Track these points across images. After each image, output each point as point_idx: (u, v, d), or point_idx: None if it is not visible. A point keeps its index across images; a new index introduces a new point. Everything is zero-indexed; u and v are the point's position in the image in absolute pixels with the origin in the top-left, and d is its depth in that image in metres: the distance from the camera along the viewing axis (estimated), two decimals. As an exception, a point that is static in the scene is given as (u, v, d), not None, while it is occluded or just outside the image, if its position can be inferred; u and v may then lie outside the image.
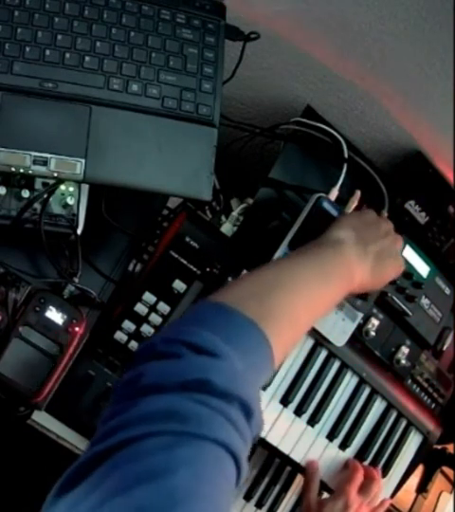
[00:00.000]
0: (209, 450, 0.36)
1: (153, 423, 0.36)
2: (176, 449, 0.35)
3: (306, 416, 0.84)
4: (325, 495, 0.86)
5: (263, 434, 0.80)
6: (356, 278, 0.64)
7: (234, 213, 0.84)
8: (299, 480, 0.88)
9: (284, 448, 0.82)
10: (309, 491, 0.81)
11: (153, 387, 0.39)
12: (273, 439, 0.81)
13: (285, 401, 0.82)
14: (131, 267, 0.79)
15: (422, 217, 0.88)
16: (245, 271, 0.76)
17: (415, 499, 1.05)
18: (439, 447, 1.01)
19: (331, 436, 0.85)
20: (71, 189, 0.71)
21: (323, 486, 0.85)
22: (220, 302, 0.49)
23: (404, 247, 0.85)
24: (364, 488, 0.83)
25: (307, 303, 0.56)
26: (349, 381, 0.86)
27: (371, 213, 0.71)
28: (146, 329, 0.73)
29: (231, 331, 0.46)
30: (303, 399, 0.83)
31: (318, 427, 0.84)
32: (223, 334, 0.44)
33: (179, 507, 0.32)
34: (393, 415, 0.90)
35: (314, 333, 0.80)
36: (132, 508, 0.32)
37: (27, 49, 0.61)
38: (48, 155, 0.62)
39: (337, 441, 0.86)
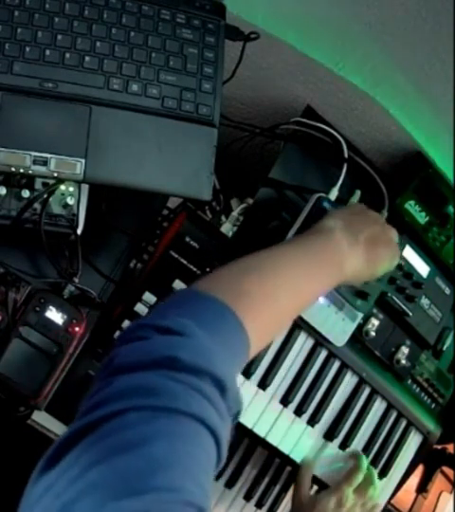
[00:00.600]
0: (185, 424, 0.37)
1: (128, 399, 0.37)
2: (153, 422, 0.36)
3: (306, 416, 0.84)
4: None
5: (262, 434, 0.80)
6: (348, 266, 0.63)
7: (234, 213, 0.84)
8: (299, 480, 0.88)
9: (284, 448, 0.82)
10: (301, 486, 0.81)
11: (124, 367, 0.40)
12: (273, 439, 0.81)
13: (285, 401, 0.82)
14: (131, 267, 0.79)
15: (422, 217, 0.88)
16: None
17: (415, 499, 1.05)
18: (439, 447, 1.01)
19: (331, 436, 0.85)
20: (71, 189, 0.71)
21: (323, 486, 0.85)
22: (192, 288, 0.50)
23: (404, 247, 0.85)
24: (360, 489, 0.83)
25: (289, 285, 0.55)
26: (349, 381, 0.86)
27: (358, 205, 0.72)
28: (146, 329, 0.73)
29: (199, 311, 0.47)
30: (303, 399, 0.83)
31: (318, 427, 0.84)
32: (191, 315, 0.45)
33: (159, 473, 0.33)
34: (393, 415, 0.90)
35: (314, 333, 0.81)
36: (111, 476, 0.32)
37: (27, 49, 0.61)
38: (48, 155, 0.62)
39: (337, 441, 0.86)
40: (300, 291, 0.58)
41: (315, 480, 0.84)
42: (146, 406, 0.36)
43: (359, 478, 0.83)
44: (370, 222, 0.69)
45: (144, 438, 0.34)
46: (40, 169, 0.62)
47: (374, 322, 0.84)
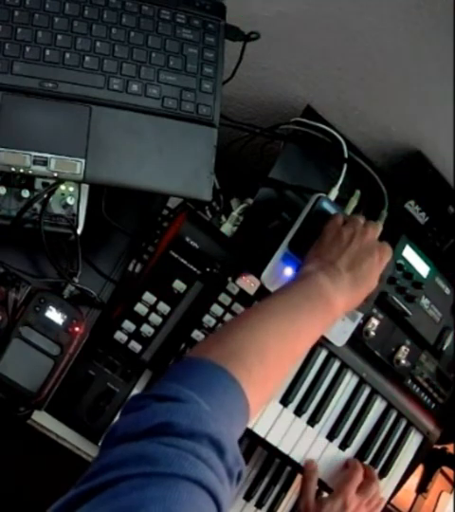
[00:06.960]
0: (179, 488, 0.37)
1: (125, 467, 0.38)
2: (147, 489, 0.36)
3: (306, 416, 0.84)
4: (325, 495, 0.86)
5: (262, 434, 0.80)
6: (338, 301, 0.62)
7: (234, 213, 0.83)
8: (299, 480, 0.88)
9: (284, 448, 0.82)
10: (307, 492, 0.81)
11: (123, 437, 0.42)
12: (273, 439, 0.81)
13: (285, 401, 0.82)
14: (131, 267, 0.79)
15: (422, 217, 0.88)
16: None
17: (415, 499, 1.05)
18: (439, 447, 1.01)
19: (331, 436, 0.85)
20: (71, 189, 0.71)
21: (323, 486, 0.85)
22: (188, 356, 0.53)
23: (404, 247, 0.85)
24: (363, 488, 0.83)
25: (277, 337, 0.56)
26: (349, 381, 0.86)
27: (329, 231, 0.69)
28: (146, 329, 0.73)
29: (195, 377, 0.48)
30: (303, 399, 0.83)
31: (318, 427, 0.84)
32: (187, 381, 0.47)
33: None
34: (393, 415, 0.90)
35: (314, 333, 0.80)
36: None
37: (27, 49, 0.61)
38: (48, 155, 0.62)
39: (337, 441, 0.86)
40: (292, 343, 0.58)
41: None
42: (138, 473, 0.37)
43: (359, 476, 0.83)
44: (345, 244, 0.66)
45: (136, 505, 0.35)
46: (40, 169, 0.62)
47: (374, 322, 0.84)
